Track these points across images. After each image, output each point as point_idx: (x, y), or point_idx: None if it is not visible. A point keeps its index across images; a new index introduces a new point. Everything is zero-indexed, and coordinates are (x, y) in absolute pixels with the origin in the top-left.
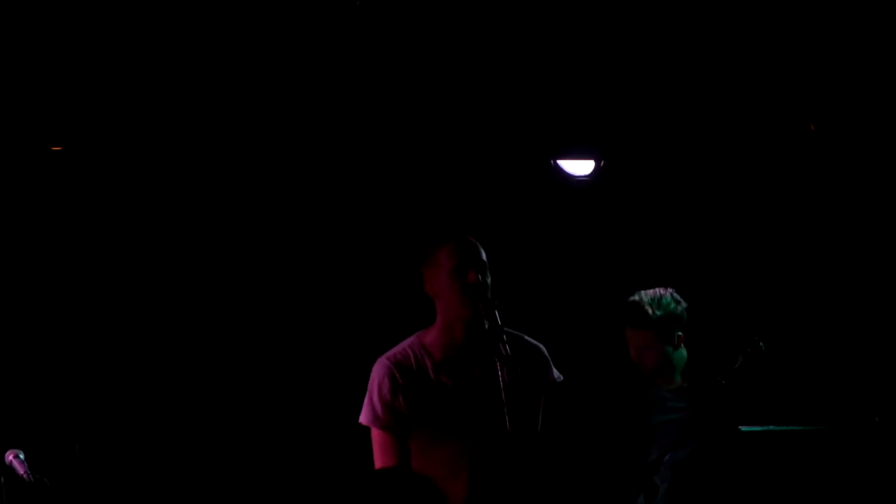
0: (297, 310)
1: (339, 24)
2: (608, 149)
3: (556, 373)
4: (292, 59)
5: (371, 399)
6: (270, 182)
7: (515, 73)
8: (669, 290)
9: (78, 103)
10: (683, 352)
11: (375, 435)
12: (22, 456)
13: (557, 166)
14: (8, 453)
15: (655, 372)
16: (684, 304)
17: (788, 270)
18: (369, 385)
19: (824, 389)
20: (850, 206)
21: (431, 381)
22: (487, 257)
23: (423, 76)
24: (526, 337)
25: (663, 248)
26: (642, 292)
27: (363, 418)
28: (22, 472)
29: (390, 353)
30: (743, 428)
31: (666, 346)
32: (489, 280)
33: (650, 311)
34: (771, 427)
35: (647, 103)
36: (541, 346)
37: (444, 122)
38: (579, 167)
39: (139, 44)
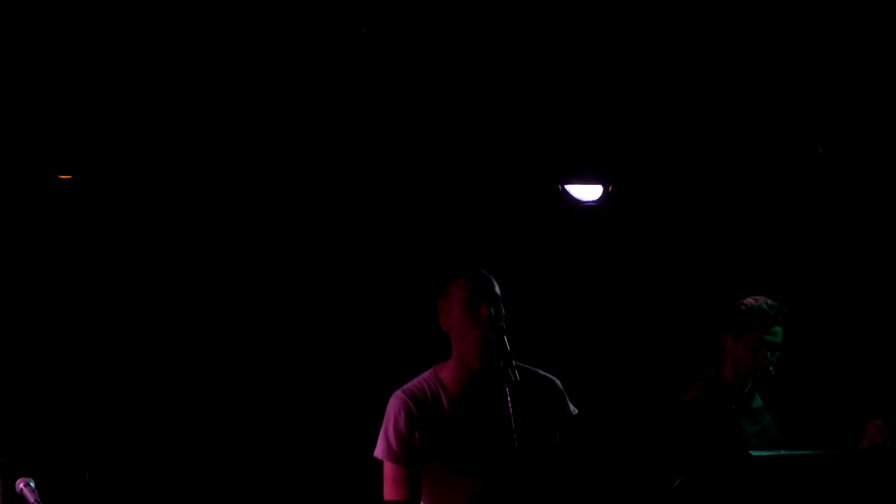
0: (314, 343)
1: (346, 49)
2: (616, 174)
3: (571, 406)
4: (300, 85)
5: (386, 433)
6: (284, 208)
7: (523, 100)
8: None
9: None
10: None
11: (388, 468)
12: (32, 484)
13: (566, 192)
14: (18, 481)
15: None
16: None
17: (799, 291)
18: (385, 419)
19: (836, 414)
20: (855, 231)
21: (447, 415)
22: (498, 284)
23: (432, 103)
24: (540, 371)
25: (672, 272)
26: (755, 299)
27: (378, 452)
28: (32, 500)
29: (406, 386)
30: (754, 452)
31: None
32: (503, 313)
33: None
34: (782, 451)
35: (654, 127)
36: (555, 379)
37: (453, 149)
38: (587, 192)
39: (140, 70)
